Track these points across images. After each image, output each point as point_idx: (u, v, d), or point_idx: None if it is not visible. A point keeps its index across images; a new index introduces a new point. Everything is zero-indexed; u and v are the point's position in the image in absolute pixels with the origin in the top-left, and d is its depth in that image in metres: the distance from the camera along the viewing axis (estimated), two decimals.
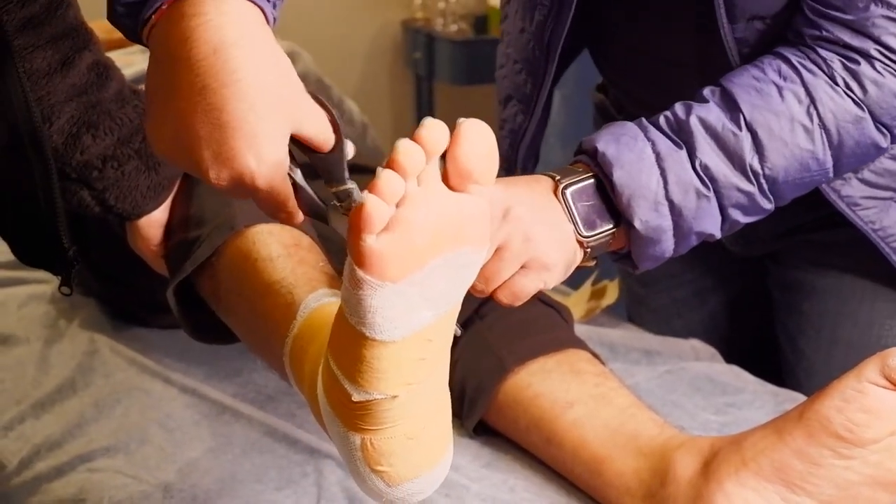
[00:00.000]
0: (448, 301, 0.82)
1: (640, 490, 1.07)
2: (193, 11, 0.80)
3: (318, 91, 2.34)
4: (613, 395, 1.18)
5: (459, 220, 0.80)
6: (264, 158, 0.80)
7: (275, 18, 0.86)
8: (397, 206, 0.77)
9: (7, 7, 1.02)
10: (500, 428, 1.24)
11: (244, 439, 1.27)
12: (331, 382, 0.85)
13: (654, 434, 1.10)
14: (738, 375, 1.39)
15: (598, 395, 1.18)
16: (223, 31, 0.79)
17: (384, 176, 0.76)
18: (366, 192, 0.76)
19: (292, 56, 2.28)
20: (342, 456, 0.89)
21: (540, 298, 1.37)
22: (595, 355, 1.28)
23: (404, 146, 0.77)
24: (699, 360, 1.45)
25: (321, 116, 0.85)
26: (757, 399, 1.32)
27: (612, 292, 1.66)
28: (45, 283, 1.71)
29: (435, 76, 3.60)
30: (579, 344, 1.29)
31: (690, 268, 1.53)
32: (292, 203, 0.85)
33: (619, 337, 1.53)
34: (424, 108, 3.71)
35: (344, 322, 0.81)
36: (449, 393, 0.89)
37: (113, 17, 0.87)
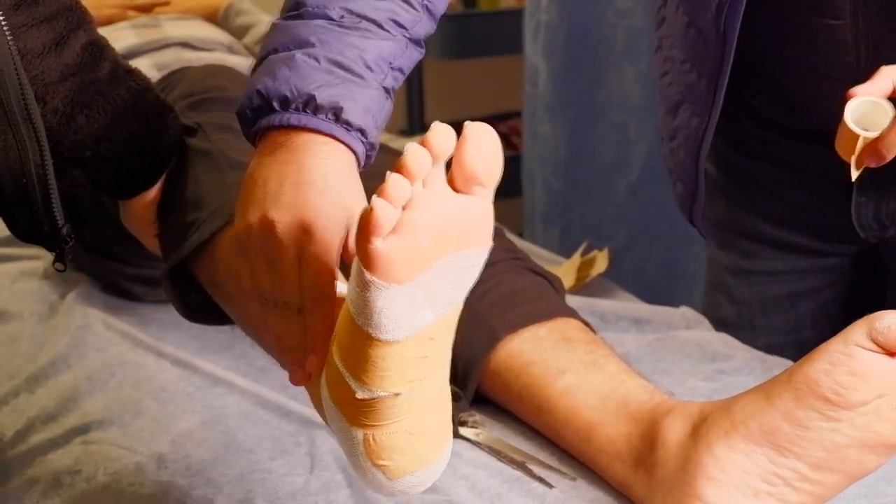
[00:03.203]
0: (451, 301, 0.83)
1: (630, 455, 1.08)
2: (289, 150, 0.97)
3: None
4: (604, 362, 1.19)
5: (464, 222, 0.81)
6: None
7: (367, 157, 1.01)
8: (404, 208, 0.78)
9: None
10: (492, 395, 1.25)
11: (237, 411, 1.28)
12: (335, 379, 0.86)
13: (644, 400, 1.11)
14: (726, 342, 1.40)
15: (589, 362, 1.18)
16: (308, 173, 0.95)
17: (392, 179, 0.77)
18: (374, 196, 0.77)
19: None
20: (343, 449, 0.90)
21: (531, 269, 1.38)
22: (586, 324, 1.29)
23: (412, 150, 0.78)
24: (689, 328, 1.46)
25: None
26: (745, 365, 1.33)
27: (601, 262, 1.67)
28: (37, 260, 1.72)
29: (424, 51, 3.59)
30: (570, 313, 1.30)
31: (792, 267, 1.49)
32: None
33: (609, 306, 1.54)
34: (414, 82, 3.70)
35: (350, 321, 0.82)
36: (449, 388, 0.90)
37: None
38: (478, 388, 1.26)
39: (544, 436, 1.19)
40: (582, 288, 1.66)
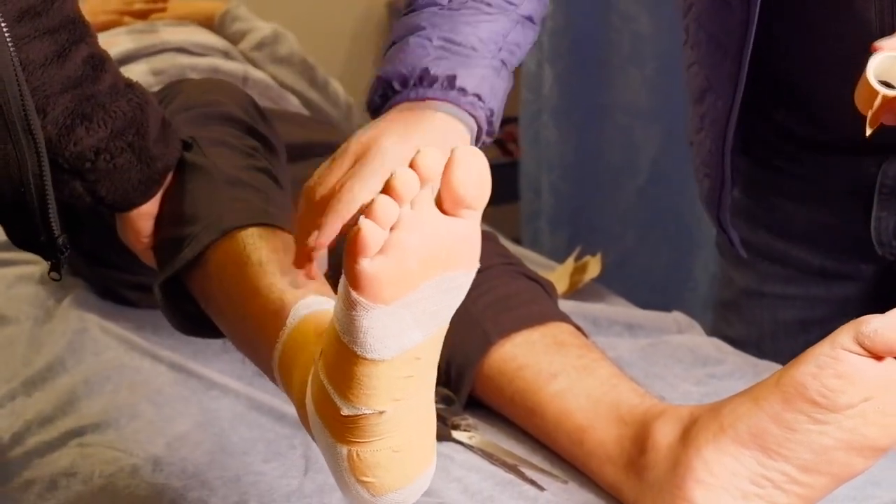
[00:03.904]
0: (437, 322, 0.84)
1: (621, 458, 1.08)
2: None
3: (303, 71, 2.34)
4: (596, 366, 1.20)
5: (451, 243, 0.82)
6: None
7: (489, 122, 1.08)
8: (391, 229, 0.79)
9: None
10: (484, 399, 1.26)
11: (232, 414, 1.29)
12: (321, 395, 0.88)
13: (636, 403, 1.12)
14: (718, 347, 1.41)
15: (581, 366, 1.19)
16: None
17: (379, 201, 0.79)
18: (362, 216, 0.79)
19: (277, 37, 2.29)
20: (328, 464, 0.91)
21: (524, 273, 1.39)
22: (578, 328, 1.30)
23: (400, 173, 0.79)
24: (681, 333, 1.47)
25: None
26: (737, 370, 1.34)
27: (594, 267, 1.68)
28: (33, 264, 1.73)
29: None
30: (563, 317, 1.30)
31: (805, 293, 1.47)
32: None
33: (601, 311, 1.55)
34: None
35: (336, 339, 0.84)
36: (434, 405, 0.91)
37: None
38: (471, 392, 1.27)
39: (536, 439, 1.20)
40: (575, 293, 1.67)
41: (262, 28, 2.31)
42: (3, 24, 1.01)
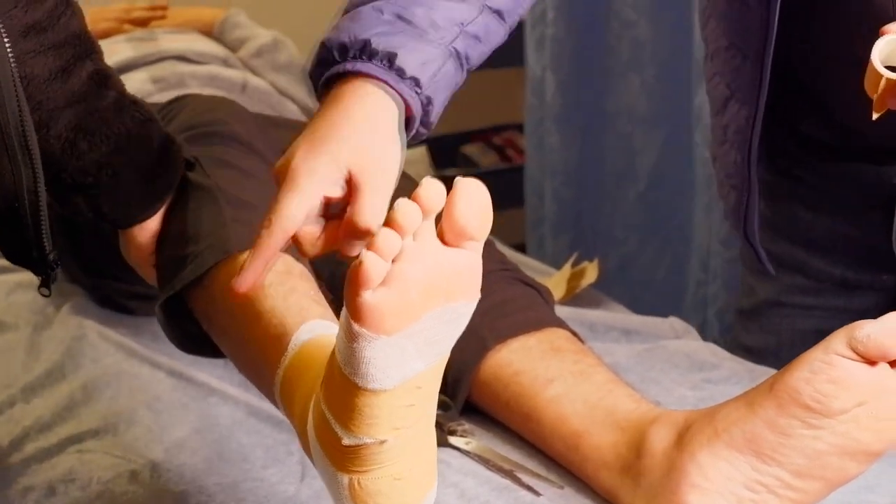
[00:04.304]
0: (438, 351, 0.85)
1: (616, 463, 1.09)
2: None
3: (303, 78, 2.34)
4: (592, 371, 1.20)
5: (453, 274, 0.82)
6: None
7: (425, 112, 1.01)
8: (393, 261, 0.80)
9: (11, 12, 1.03)
10: (481, 404, 1.27)
11: (230, 420, 1.30)
12: (322, 424, 0.88)
13: (631, 408, 1.12)
14: (714, 352, 1.42)
15: (577, 371, 1.20)
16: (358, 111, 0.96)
17: (382, 234, 0.79)
18: (364, 249, 0.79)
19: (277, 45, 2.30)
20: (330, 492, 0.92)
21: (520, 279, 1.39)
22: (574, 334, 1.30)
23: (402, 206, 0.80)
24: (677, 338, 1.48)
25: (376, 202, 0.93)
26: (733, 375, 1.34)
27: (591, 273, 1.69)
28: None
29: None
30: (559, 323, 1.31)
31: (824, 304, 1.46)
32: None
33: (598, 317, 1.55)
34: None
35: (337, 370, 0.84)
36: (435, 432, 0.92)
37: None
38: (467, 398, 1.27)
39: (532, 444, 1.20)
40: (572, 298, 1.68)
41: (262, 35, 2.31)
42: (5, 39, 1.02)
